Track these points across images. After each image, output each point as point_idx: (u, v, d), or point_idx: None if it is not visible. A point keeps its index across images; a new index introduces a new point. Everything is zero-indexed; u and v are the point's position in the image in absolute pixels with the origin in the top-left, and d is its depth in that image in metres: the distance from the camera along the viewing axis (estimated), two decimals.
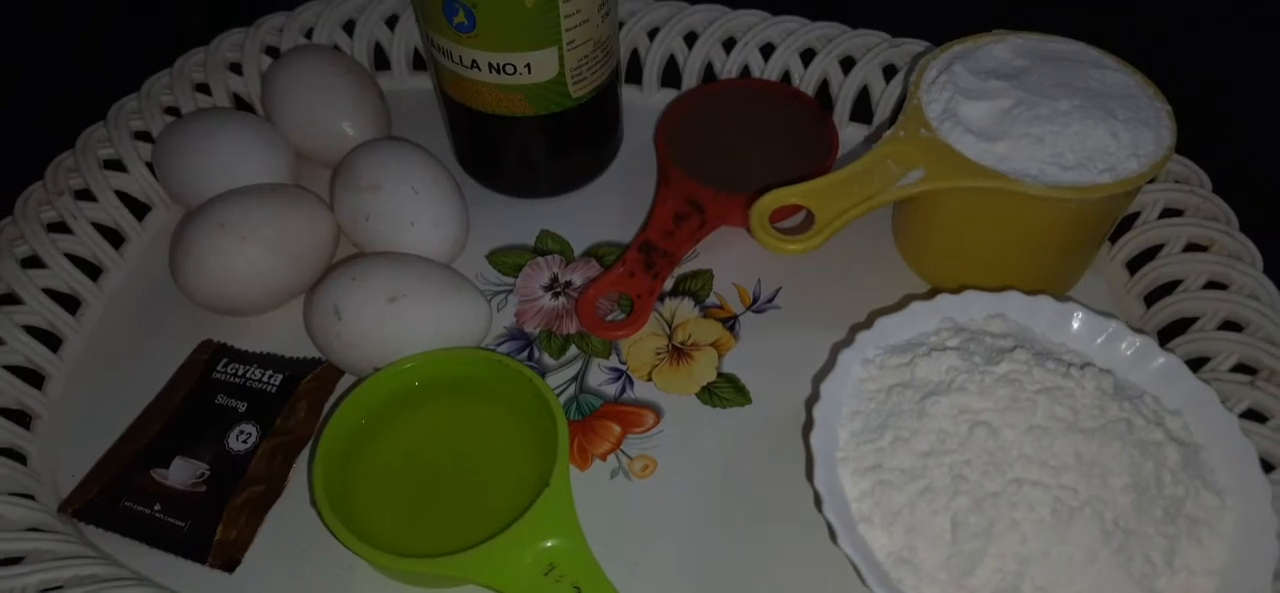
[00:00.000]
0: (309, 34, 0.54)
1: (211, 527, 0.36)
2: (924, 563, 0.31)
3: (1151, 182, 0.43)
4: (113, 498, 0.38)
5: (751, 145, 0.48)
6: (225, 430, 0.39)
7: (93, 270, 0.46)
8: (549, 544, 0.34)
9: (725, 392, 0.41)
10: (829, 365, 0.36)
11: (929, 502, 0.32)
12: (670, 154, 0.47)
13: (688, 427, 0.40)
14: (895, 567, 0.31)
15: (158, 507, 0.37)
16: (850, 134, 0.51)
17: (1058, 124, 0.39)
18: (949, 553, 0.31)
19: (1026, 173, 0.38)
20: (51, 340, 0.43)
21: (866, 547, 0.31)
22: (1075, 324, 0.37)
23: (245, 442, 0.39)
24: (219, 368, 0.42)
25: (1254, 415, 0.38)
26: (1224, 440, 0.34)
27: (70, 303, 0.44)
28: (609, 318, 0.43)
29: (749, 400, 0.41)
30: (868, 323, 0.38)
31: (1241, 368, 0.39)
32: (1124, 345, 0.37)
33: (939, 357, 0.35)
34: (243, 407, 0.40)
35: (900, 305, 0.38)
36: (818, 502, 0.32)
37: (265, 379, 0.41)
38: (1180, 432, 0.34)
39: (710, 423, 0.40)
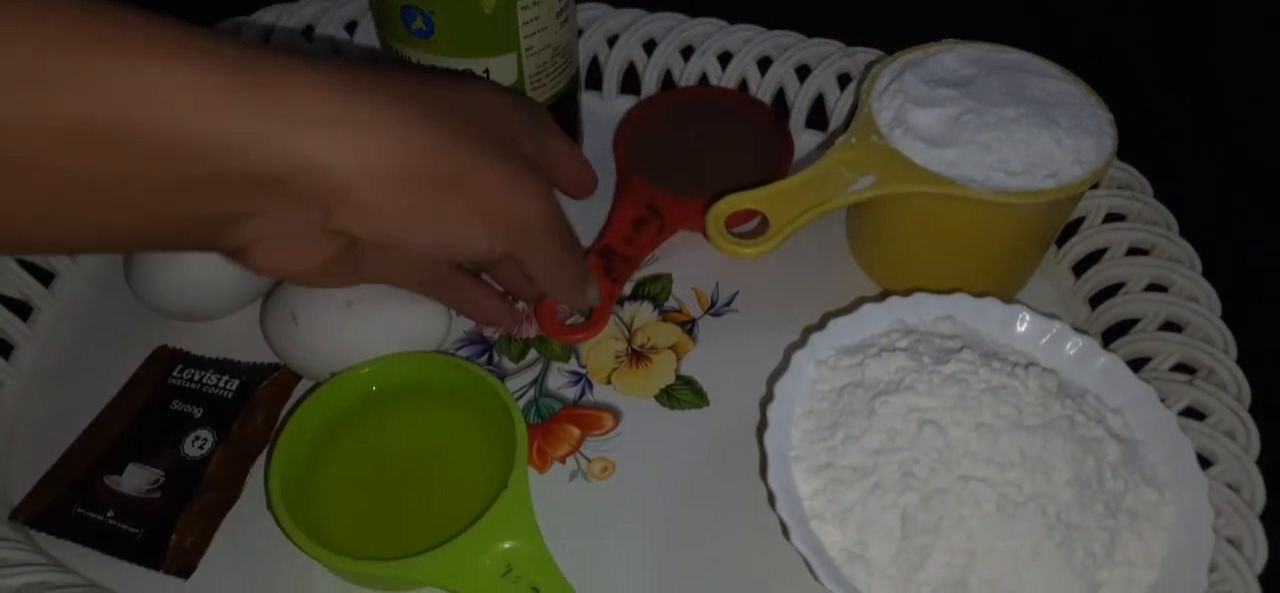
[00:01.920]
0: (267, 39, 0.54)
1: (166, 534, 0.36)
2: (875, 558, 0.32)
3: (1094, 187, 0.44)
4: (66, 505, 0.37)
5: (709, 151, 0.49)
6: (181, 436, 0.39)
7: (45, 276, 0.45)
8: (507, 546, 0.34)
9: (683, 394, 0.42)
10: (783, 367, 0.37)
11: (879, 499, 0.32)
12: (629, 161, 0.48)
13: (646, 429, 0.40)
14: (847, 562, 0.32)
15: (111, 514, 0.37)
16: (805, 141, 0.52)
17: (1004, 131, 0.40)
18: (899, 548, 0.31)
19: (973, 178, 0.39)
20: (3, 347, 0.42)
21: (819, 543, 0.32)
22: (1021, 326, 0.38)
23: (201, 448, 0.39)
24: (175, 373, 0.41)
25: (1193, 413, 0.39)
26: (1163, 437, 0.35)
27: (22, 309, 0.44)
28: (569, 322, 0.44)
29: (707, 403, 0.41)
30: (821, 325, 0.38)
31: (1181, 368, 0.40)
32: (1068, 346, 0.38)
33: (889, 357, 0.36)
34: (199, 412, 0.40)
35: (852, 307, 0.39)
36: (772, 500, 0.33)
37: (221, 384, 0.41)
38: (1120, 429, 0.35)
39: (669, 425, 0.41)
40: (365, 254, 0.33)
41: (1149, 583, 0.32)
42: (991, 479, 0.32)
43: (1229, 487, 0.36)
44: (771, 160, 0.47)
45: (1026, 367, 0.35)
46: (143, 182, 0.26)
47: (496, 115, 0.34)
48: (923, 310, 0.39)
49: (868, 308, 0.39)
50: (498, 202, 0.33)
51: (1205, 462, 0.36)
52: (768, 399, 0.35)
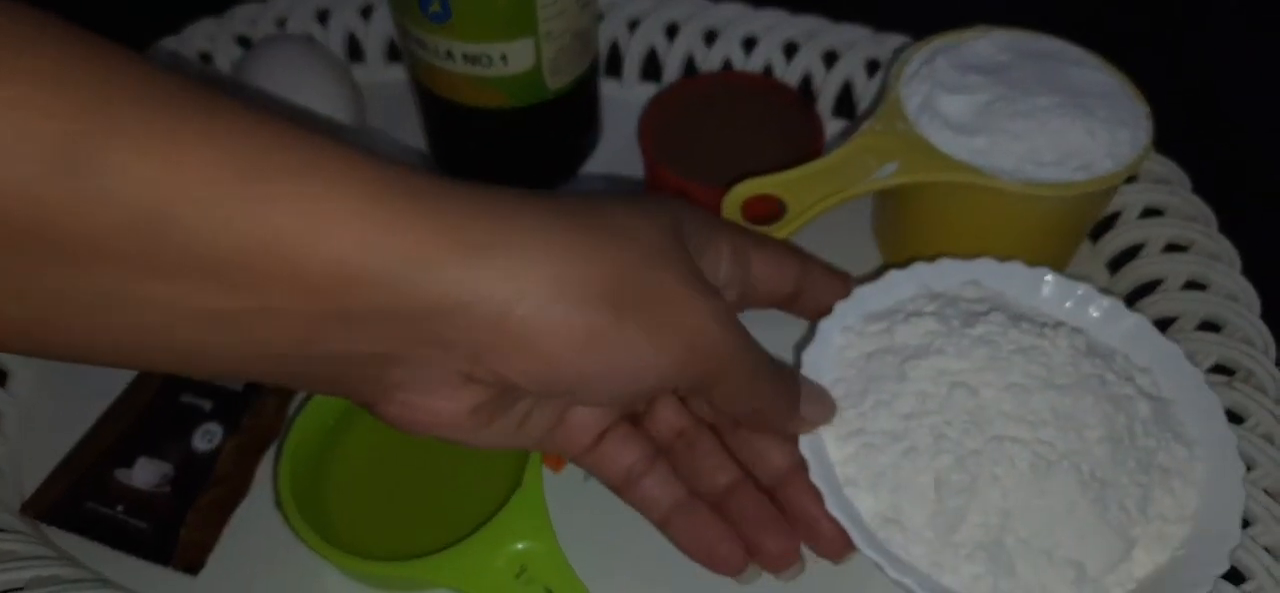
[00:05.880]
0: (282, 23, 0.54)
1: (175, 528, 0.37)
2: (910, 522, 0.32)
3: (1130, 181, 0.43)
4: (76, 499, 0.38)
5: (737, 138, 0.48)
6: (190, 430, 0.39)
7: None
8: (521, 547, 0.34)
9: None
10: (809, 336, 0.37)
11: (912, 462, 0.33)
12: (657, 153, 0.47)
13: None
14: (882, 527, 0.32)
15: (121, 508, 0.37)
16: (832, 129, 0.52)
17: (1036, 121, 0.39)
18: (934, 511, 0.32)
19: (1002, 169, 0.38)
20: None
21: (853, 509, 0.33)
22: (1046, 289, 0.39)
23: (210, 441, 0.39)
24: None
25: (1232, 417, 0.38)
26: (1191, 395, 0.36)
27: None
28: None
29: None
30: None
31: (1219, 369, 0.40)
32: (1093, 308, 0.38)
33: (917, 321, 0.36)
34: (208, 406, 0.40)
35: (877, 275, 0.38)
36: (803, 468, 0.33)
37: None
38: (1150, 387, 0.36)
39: None
40: (529, 409, 0.31)
41: (1182, 537, 0.33)
42: (1024, 439, 0.33)
43: (1267, 493, 0.36)
44: (801, 146, 0.47)
45: (1055, 326, 0.36)
46: (294, 315, 0.24)
47: (656, 225, 0.29)
48: (948, 275, 0.39)
49: (893, 274, 0.39)
50: (687, 319, 0.28)
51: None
52: (795, 367, 0.35)
